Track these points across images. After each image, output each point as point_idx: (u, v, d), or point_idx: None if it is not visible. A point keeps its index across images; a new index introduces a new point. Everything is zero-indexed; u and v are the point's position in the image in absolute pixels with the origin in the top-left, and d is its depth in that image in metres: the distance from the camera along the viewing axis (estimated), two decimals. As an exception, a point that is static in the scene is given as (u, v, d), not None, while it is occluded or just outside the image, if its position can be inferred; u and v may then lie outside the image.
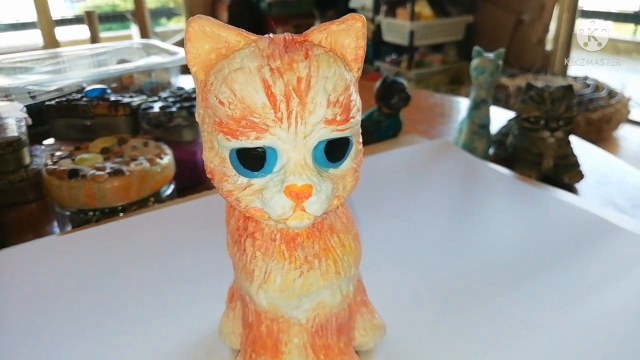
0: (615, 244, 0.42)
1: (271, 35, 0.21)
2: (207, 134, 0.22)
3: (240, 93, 0.20)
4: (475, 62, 0.59)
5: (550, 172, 0.57)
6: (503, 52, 0.59)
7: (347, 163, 0.22)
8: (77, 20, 3.26)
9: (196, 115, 0.22)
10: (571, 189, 0.56)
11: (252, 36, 0.21)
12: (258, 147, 0.20)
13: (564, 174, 0.57)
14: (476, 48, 0.60)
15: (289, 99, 0.19)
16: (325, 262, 0.23)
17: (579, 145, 0.67)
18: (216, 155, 0.21)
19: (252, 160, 0.20)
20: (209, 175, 0.22)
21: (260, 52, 0.20)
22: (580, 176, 0.57)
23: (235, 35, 0.21)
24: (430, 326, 0.33)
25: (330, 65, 0.20)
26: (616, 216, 0.46)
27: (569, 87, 0.55)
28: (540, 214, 0.47)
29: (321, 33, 0.22)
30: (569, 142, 0.57)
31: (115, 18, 3.51)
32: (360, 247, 0.25)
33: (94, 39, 2.75)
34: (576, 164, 0.57)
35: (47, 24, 2.95)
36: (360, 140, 0.23)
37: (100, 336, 0.33)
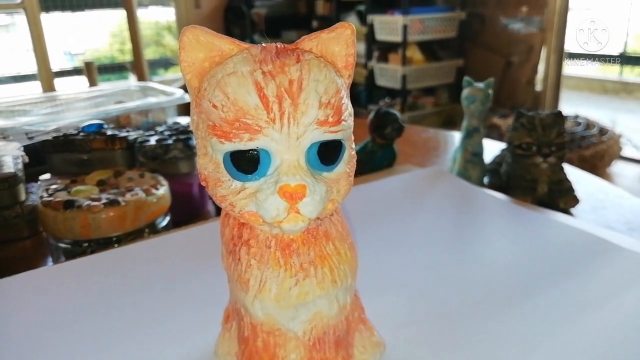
0: (614, 263, 0.41)
1: (263, 44, 0.22)
2: (201, 140, 0.22)
3: (233, 96, 0.20)
4: (466, 92, 0.60)
5: (545, 198, 0.57)
6: (492, 82, 0.61)
7: (341, 167, 0.22)
8: (76, 71, 3.33)
9: (190, 122, 0.23)
10: (567, 214, 0.56)
11: (245, 44, 0.22)
12: (251, 149, 0.20)
13: (559, 199, 0.57)
14: (466, 78, 0.61)
15: (281, 100, 0.20)
16: (321, 270, 0.23)
17: (574, 173, 0.67)
18: (210, 161, 0.22)
19: (246, 163, 0.21)
20: (202, 183, 0.22)
21: (253, 58, 0.21)
22: (575, 201, 0.57)
23: (228, 44, 0.22)
24: (430, 345, 0.32)
25: (322, 69, 0.21)
26: (614, 236, 0.46)
27: (559, 114, 0.56)
28: (538, 235, 0.47)
29: (312, 41, 0.22)
30: (562, 168, 0.58)
31: (113, 69, 3.59)
32: (356, 257, 0.25)
33: (93, 88, 2.80)
34: (571, 189, 0.57)
35: (46, 76, 3.02)
36: (353, 146, 0.23)
37: (90, 358, 0.32)
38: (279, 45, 0.22)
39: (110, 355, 0.32)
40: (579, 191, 0.58)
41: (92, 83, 2.83)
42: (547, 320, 0.34)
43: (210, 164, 0.22)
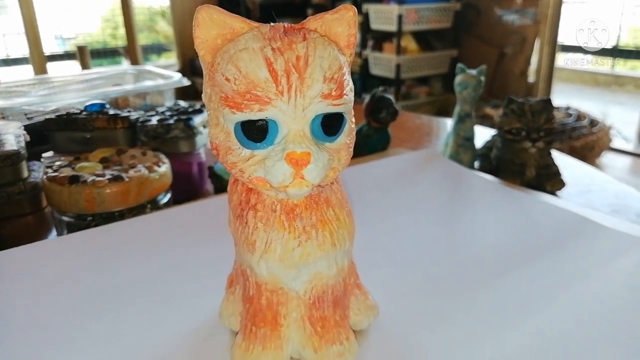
0: (597, 240, 0.44)
1: (271, 23, 0.24)
2: (213, 112, 0.24)
3: (245, 70, 0.22)
4: (459, 78, 0.62)
5: (533, 181, 0.59)
6: (485, 69, 0.62)
7: (342, 138, 0.24)
8: (67, 56, 3.31)
9: (203, 95, 0.24)
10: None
11: (255, 23, 0.23)
12: (260, 119, 0.22)
13: (546, 182, 0.59)
14: (459, 65, 0.63)
15: (289, 74, 0.21)
16: (322, 233, 0.25)
17: (561, 159, 0.70)
18: (221, 130, 0.23)
19: (255, 132, 0.22)
20: (214, 152, 0.24)
21: (263, 35, 0.22)
22: (561, 184, 0.59)
23: (239, 22, 0.23)
24: (421, 312, 0.34)
25: (326, 47, 0.23)
26: (597, 215, 0.48)
27: (548, 100, 0.58)
28: (525, 214, 0.49)
29: (317, 21, 0.24)
30: (549, 153, 0.60)
31: (106, 54, 3.57)
32: (353, 223, 0.27)
33: (86, 73, 2.78)
34: (557, 173, 0.59)
35: (38, 59, 3.00)
36: (353, 120, 0.25)
37: (100, 326, 0.34)
38: (286, 25, 0.23)
39: (118, 323, 0.34)
40: (565, 176, 0.60)
41: (85, 67, 2.82)
42: (532, 293, 0.37)
43: (221, 133, 0.23)
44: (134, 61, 3.25)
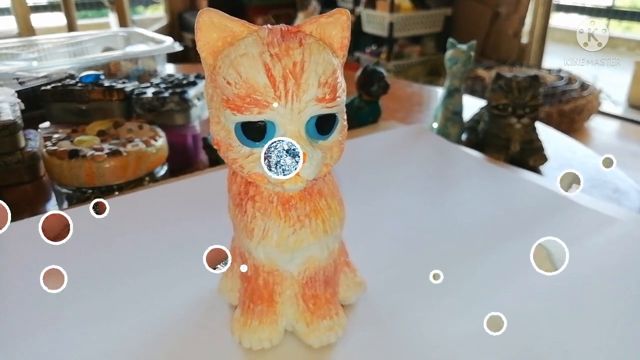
0: (571, 217, 0.46)
1: (269, 26, 0.25)
2: (214, 110, 0.25)
3: (245, 75, 0.23)
4: (449, 53, 0.63)
5: (517, 156, 0.62)
6: (475, 44, 0.64)
7: (334, 136, 0.26)
8: (52, 7, 3.21)
9: (205, 94, 0.26)
10: (536, 171, 0.61)
11: (254, 27, 0.25)
12: (259, 121, 0.24)
13: (529, 157, 0.61)
14: (450, 40, 0.64)
15: (286, 80, 0.23)
16: (315, 222, 0.27)
17: (545, 132, 0.72)
18: (222, 128, 0.25)
19: (254, 132, 0.24)
20: (215, 147, 0.26)
21: (261, 40, 0.24)
22: (544, 159, 0.61)
23: (239, 26, 0.25)
24: (405, 286, 0.37)
25: (321, 52, 0.24)
26: (573, 194, 0.51)
27: (535, 77, 0.60)
28: (507, 191, 0.52)
29: (312, 25, 0.25)
30: (534, 128, 0.62)
31: (91, 5, 3.46)
32: (344, 210, 0.29)
33: (71, 26, 2.72)
34: (541, 148, 0.62)
35: (22, 10, 2.90)
36: (345, 117, 0.27)
37: (101, 300, 0.35)
38: (283, 28, 0.25)
39: (119, 297, 0.36)
40: (548, 150, 0.62)
41: (70, 20, 2.74)
42: (511, 264, 0.39)
43: (222, 131, 0.25)
44: (120, 13, 3.16)
